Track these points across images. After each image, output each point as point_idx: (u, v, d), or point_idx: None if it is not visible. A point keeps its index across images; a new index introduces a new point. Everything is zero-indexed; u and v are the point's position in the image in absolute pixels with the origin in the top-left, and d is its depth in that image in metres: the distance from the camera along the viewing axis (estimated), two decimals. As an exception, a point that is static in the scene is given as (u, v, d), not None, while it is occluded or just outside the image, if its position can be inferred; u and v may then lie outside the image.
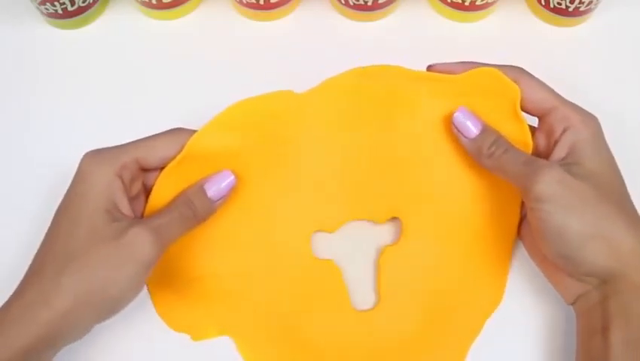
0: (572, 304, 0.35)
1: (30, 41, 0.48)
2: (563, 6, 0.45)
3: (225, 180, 0.37)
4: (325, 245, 0.39)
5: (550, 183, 0.33)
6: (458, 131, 0.37)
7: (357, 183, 0.39)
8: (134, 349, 0.38)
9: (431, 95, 0.38)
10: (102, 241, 0.32)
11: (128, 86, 0.45)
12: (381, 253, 0.39)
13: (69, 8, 0.46)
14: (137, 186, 0.36)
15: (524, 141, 0.37)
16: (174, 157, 0.36)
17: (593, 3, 0.44)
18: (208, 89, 0.44)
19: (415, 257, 0.39)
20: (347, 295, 0.38)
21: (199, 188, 0.36)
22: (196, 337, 0.38)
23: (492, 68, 0.37)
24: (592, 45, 0.46)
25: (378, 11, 0.46)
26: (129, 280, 0.33)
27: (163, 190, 0.36)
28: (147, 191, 0.37)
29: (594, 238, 0.32)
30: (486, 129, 0.36)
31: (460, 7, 0.46)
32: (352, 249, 0.40)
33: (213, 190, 0.36)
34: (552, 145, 0.36)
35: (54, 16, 0.46)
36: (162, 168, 0.36)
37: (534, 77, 0.37)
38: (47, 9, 0.46)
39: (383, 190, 0.39)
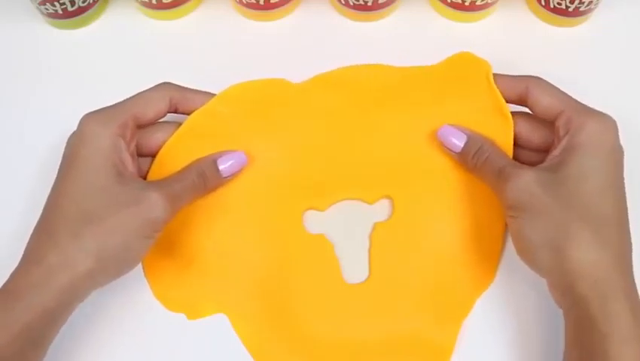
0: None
1: (30, 41, 0.48)
2: (563, 6, 0.45)
3: (237, 159, 0.39)
4: (317, 222, 0.40)
5: (513, 191, 0.34)
6: (446, 147, 0.39)
7: (348, 164, 0.41)
8: (130, 332, 0.39)
9: (416, 85, 0.42)
10: (119, 204, 0.34)
11: (128, 86, 0.45)
12: (373, 229, 0.40)
13: (69, 8, 0.46)
14: (133, 145, 0.38)
15: (501, 112, 0.39)
16: (165, 110, 0.38)
17: (593, 3, 0.44)
18: (208, 89, 0.44)
19: (406, 234, 0.40)
20: (338, 268, 0.39)
21: (212, 161, 0.38)
22: (191, 316, 0.39)
23: (464, 52, 0.41)
24: (592, 45, 0.46)
25: (378, 11, 0.46)
26: (143, 242, 0.35)
27: (167, 157, 0.39)
28: (139, 151, 0.39)
29: (543, 247, 0.33)
30: (469, 141, 0.38)
31: (460, 7, 0.46)
32: (344, 225, 0.40)
33: (225, 166, 0.38)
34: None
35: (54, 16, 0.47)
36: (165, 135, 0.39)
37: (545, 83, 0.37)
38: (47, 9, 0.46)
39: (375, 171, 0.41)
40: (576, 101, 0.36)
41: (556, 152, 0.35)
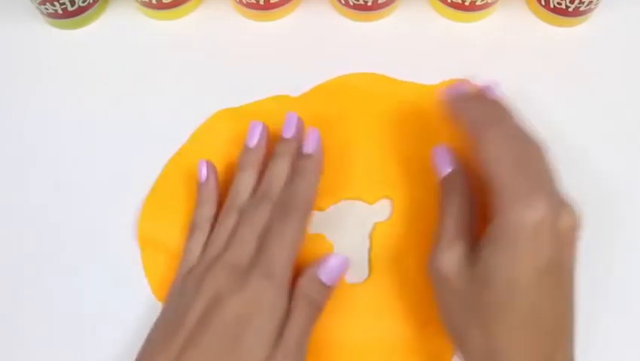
0: None
1: (30, 41, 0.48)
2: (563, 6, 0.45)
3: (338, 263, 0.36)
4: (317, 222, 0.40)
5: (428, 265, 0.35)
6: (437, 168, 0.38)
7: (348, 164, 0.41)
8: (130, 333, 0.38)
9: (416, 92, 0.43)
10: None
11: (128, 86, 0.45)
12: (373, 229, 0.40)
13: (69, 8, 0.46)
14: None
15: None
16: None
17: (593, 3, 0.44)
18: (208, 89, 0.44)
19: (406, 234, 0.40)
20: None
21: (314, 279, 0.35)
22: None
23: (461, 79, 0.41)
24: (592, 45, 0.46)
25: (378, 11, 0.46)
26: None
27: (171, 174, 0.41)
28: None
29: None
30: (448, 176, 0.37)
31: (460, 7, 0.46)
32: (344, 225, 0.40)
33: (326, 275, 0.35)
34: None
35: (54, 16, 0.47)
36: None
37: (497, 140, 0.32)
38: (47, 9, 0.46)
39: (375, 171, 0.41)
40: (513, 173, 0.30)
41: (484, 238, 0.32)
